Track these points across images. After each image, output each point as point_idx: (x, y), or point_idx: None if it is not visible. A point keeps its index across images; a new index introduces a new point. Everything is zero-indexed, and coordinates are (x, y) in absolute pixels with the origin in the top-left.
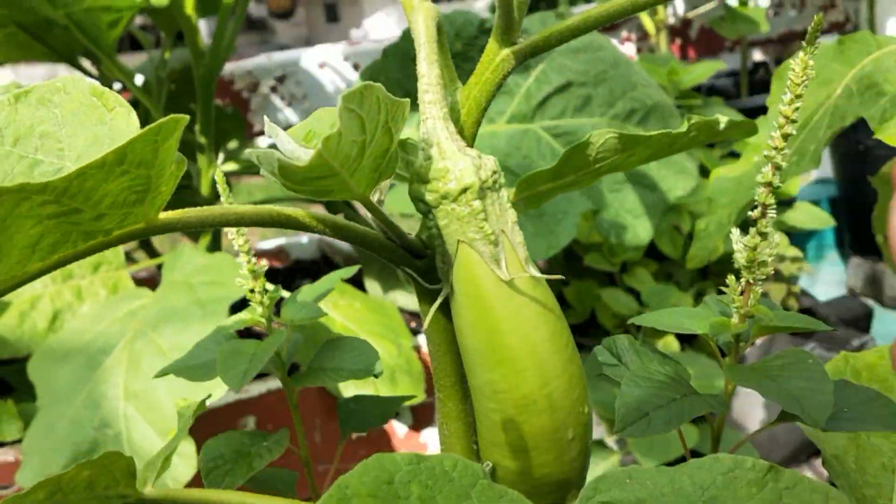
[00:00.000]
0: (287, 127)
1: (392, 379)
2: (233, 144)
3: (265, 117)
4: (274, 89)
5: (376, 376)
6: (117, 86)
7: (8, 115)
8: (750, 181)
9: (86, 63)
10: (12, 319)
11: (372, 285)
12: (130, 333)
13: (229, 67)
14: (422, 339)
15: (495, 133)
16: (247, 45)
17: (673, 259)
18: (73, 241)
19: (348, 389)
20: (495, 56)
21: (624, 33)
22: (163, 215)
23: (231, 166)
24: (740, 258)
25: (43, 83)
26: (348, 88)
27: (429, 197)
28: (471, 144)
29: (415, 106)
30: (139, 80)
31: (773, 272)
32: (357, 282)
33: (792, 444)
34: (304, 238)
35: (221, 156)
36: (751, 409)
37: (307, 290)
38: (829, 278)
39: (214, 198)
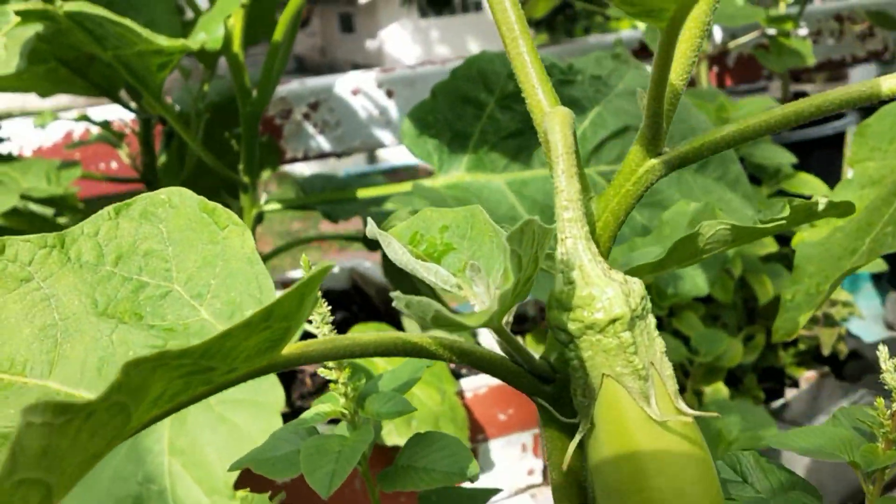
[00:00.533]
0: (320, 154)
1: (436, 426)
2: (266, 173)
3: (369, 221)
4: (307, 116)
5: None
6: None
7: (108, 230)
8: (839, 249)
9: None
10: None
11: (409, 323)
12: None
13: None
14: (465, 384)
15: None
16: (261, 55)
17: (719, 301)
18: (194, 388)
19: (391, 437)
20: (639, 166)
21: None
22: (286, 351)
23: (273, 206)
24: (890, 380)
25: (146, 195)
26: (509, 231)
27: (572, 327)
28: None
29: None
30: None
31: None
32: (394, 318)
33: (840, 493)
34: (335, 267)
35: (265, 195)
36: (798, 458)
37: (390, 377)
38: (865, 312)
39: (255, 238)
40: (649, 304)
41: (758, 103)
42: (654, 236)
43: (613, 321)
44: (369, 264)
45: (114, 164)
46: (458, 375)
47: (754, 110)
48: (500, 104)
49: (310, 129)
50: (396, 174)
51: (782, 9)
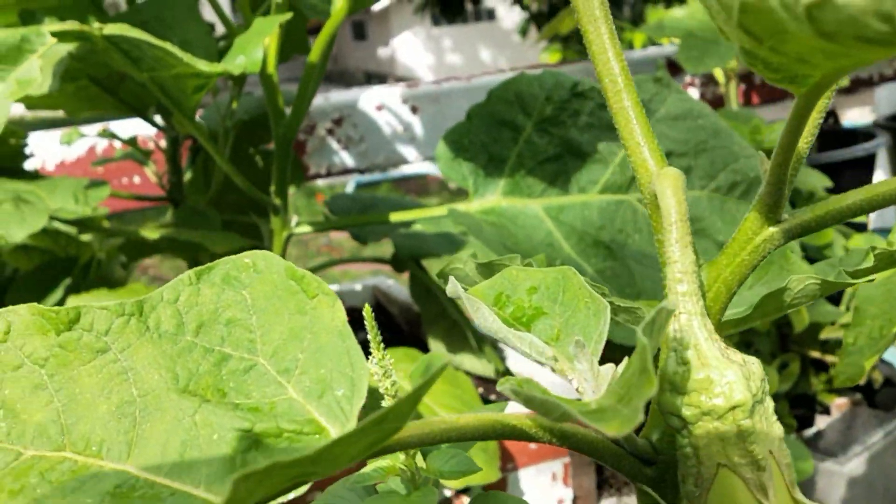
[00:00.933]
0: (344, 171)
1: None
2: (290, 189)
3: (452, 281)
4: (330, 131)
5: None
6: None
7: (189, 296)
8: None
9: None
10: None
11: (437, 346)
12: None
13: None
14: None
15: (587, 203)
16: (285, 70)
17: (754, 327)
18: (292, 485)
19: None
20: (756, 234)
21: (687, 78)
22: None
23: (304, 228)
24: None
25: (228, 259)
26: (643, 322)
27: (686, 412)
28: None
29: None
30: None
31: None
32: (417, 338)
33: None
34: (358, 286)
35: (296, 217)
36: (833, 489)
37: None
38: None
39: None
40: (767, 386)
41: None
42: None
43: (734, 408)
44: (391, 282)
45: (136, 179)
46: (486, 401)
47: None
48: (538, 128)
49: (333, 144)
50: (407, 182)
51: None
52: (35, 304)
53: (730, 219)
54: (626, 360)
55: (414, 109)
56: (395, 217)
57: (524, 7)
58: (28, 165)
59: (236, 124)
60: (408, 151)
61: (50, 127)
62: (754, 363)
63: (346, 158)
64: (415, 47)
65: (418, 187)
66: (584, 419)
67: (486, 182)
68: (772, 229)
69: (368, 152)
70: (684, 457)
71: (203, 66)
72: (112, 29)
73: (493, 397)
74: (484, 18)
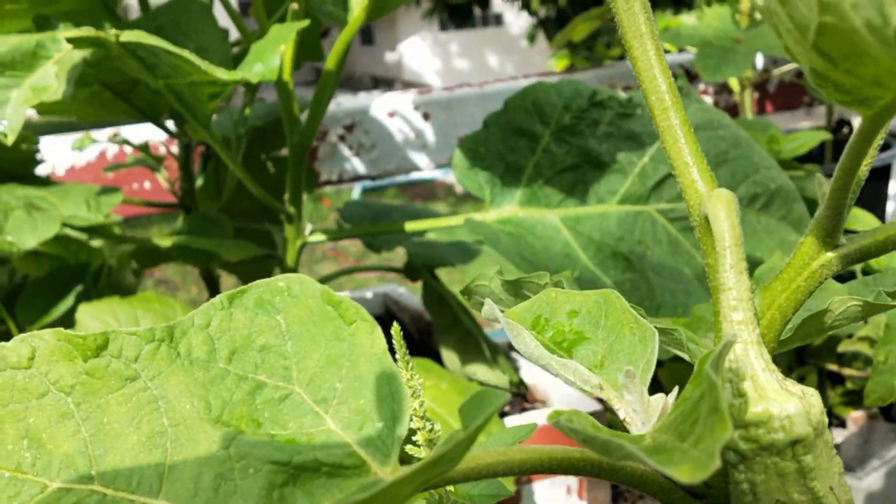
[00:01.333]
0: (355, 177)
1: None
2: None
3: (488, 303)
4: (342, 138)
5: None
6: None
7: (221, 321)
8: None
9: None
10: None
11: (450, 356)
12: None
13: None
14: (508, 423)
15: (606, 214)
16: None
17: None
18: None
19: None
20: (813, 259)
21: (701, 86)
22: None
23: (318, 237)
24: None
25: (261, 282)
26: (710, 357)
27: (744, 447)
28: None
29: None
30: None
31: None
32: (428, 346)
33: None
34: (369, 293)
35: (309, 226)
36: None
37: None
38: None
39: (298, 268)
40: (826, 418)
41: (809, 136)
42: None
43: (794, 443)
44: (402, 290)
45: (147, 184)
46: (502, 414)
47: (807, 142)
48: (556, 137)
49: (345, 151)
50: (414, 187)
51: None
52: (61, 329)
53: (750, 230)
54: (675, 390)
55: (426, 116)
56: (410, 227)
57: (532, 13)
58: (39, 170)
59: (249, 131)
60: (419, 158)
61: (60, 131)
62: (813, 395)
63: (358, 165)
64: (422, 52)
65: (425, 192)
66: (653, 463)
67: (503, 191)
68: (829, 255)
69: (380, 159)
70: (740, 493)
71: (221, 74)
72: (129, 36)
73: (506, 408)
74: (492, 24)
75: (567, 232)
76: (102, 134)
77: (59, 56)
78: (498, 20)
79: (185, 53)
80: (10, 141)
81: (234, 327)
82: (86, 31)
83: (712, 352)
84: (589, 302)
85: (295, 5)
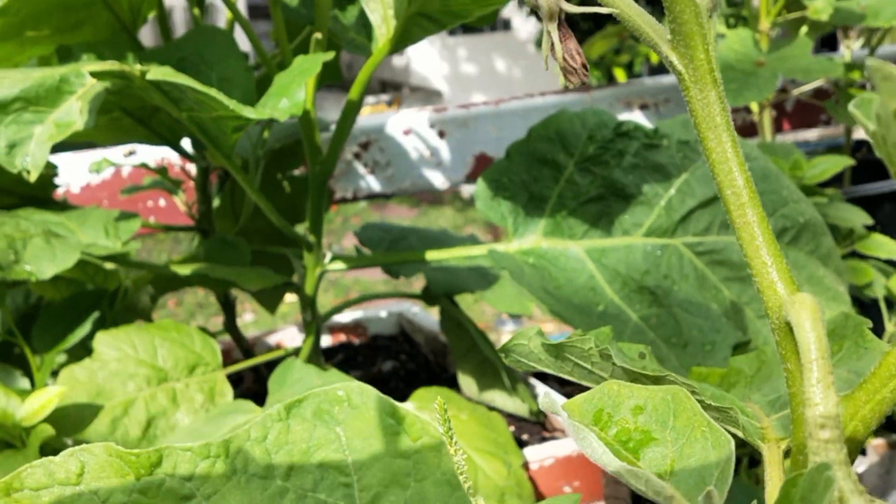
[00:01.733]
0: (370, 195)
1: (501, 502)
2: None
3: (548, 392)
4: (357, 156)
5: None
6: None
7: (279, 434)
8: None
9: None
10: (104, 426)
11: (467, 382)
12: None
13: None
14: (530, 454)
15: (631, 247)
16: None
17: None
18: None
19: None
20: None
21: None
22: None
23: (337, 265)
24: None
25: (320, 391)
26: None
27: None
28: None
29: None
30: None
31: None
32: (443, 368)
33: None
34: (383, 312)
35: (329, 254)
36: None
37: None
38: None
39: (318, 297)
40: None
41: (832, 162)
42: None
43: None
44: (417, 310)
45: (161, 202)
46: (521, 443)
47: (829, 169)
48: (580, 167)
49: (360, 168)
50: (422, 195)
51: (847, 57)
52: (111, 444)
53: None
54: None
55: (441, 134)
56: (431, 256)
57: (540, 18)
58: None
59: (267, 153)
60: (434, 176)
61: (77, 148)
62: None
63: (373, 183)
64: (430, 56)
65: (432, 197)
66: None
67: (527, 222)
68: None
69: (395, 177)
70: None
71: (249, 112)
72: (155, 74)
73: (525, 437)
74: (500, 29)
75: (592, 264)
76: (118, 151)
77: (83, 91)
78: (506, 25)
79: (213, 92)
80: (33, 178)
81: (291, 440)
82: (110, 66)
83: (800, 476)
84: (655, 398)
85: (319, 35)
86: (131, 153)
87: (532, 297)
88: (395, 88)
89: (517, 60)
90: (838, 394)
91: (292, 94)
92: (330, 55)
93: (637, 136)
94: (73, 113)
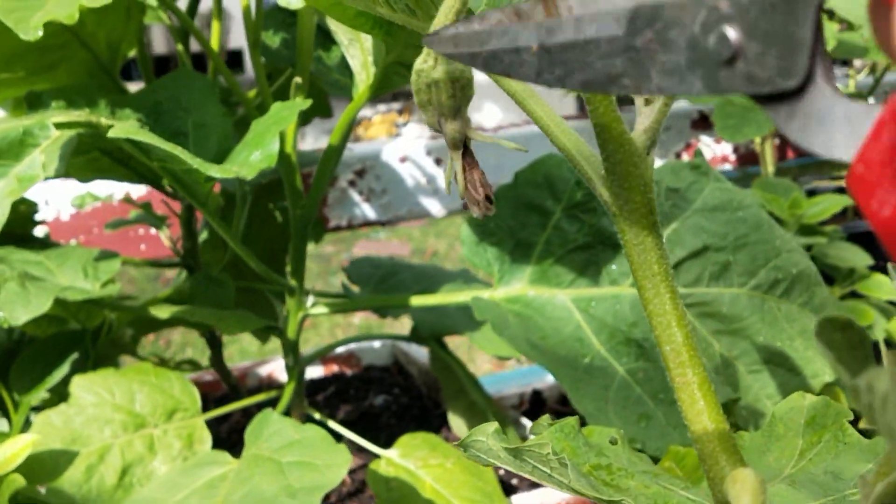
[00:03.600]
0: (365, 223)
1: None
2: (309, 247)
3: None
4: (352, 183)
5: None
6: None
7: None
8: None
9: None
10: (79, 473)
11: (457, 423)
12: None
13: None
14: (517, 501)
15: (619, 297)
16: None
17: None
18: None
19: None
20: None
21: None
22: None
23: (321, 310)
24: None
25: None
26: None
27: None
28: None
29: None
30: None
31: None
32: (437, 403)
33: None
34: (377, 343)
35: (311, 298)
36: None
37: None
38: None
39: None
40: None
41: (833, 201)
42: (763, 434)
43: None
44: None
45: (140, 231)
46: (510, 488)
47: (830, 207)
48: (568, 213)
49: (355, 196)
50: None
51: (851, 86)
52: None
53: (770, 318)
54: None
55: (438, 161)
56: (417, 301)
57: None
58: (43, 215)
59: (254, 188)
60: (431, 204)
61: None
62: None
63: (368, 210)
64: None
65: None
66: None
67: (513, 269)
68: None
69: (391, 204)
70: None
71: (214, 172)
72: (119, 131)
73: (514, 481)
74: None
75: (579, 314)
76: (104, 185)
77: (48, 143)
78: None
79: (177, 151)
80: None
81: None
82: (76, 116)
83: None
84: None
85: (299, 79)
86: (115, 196)
87: (515, 351)
88: (406, 97)
89: None
90: None
91: (266, 145)
92: (307, 103)
93: None
94: (36, 167)
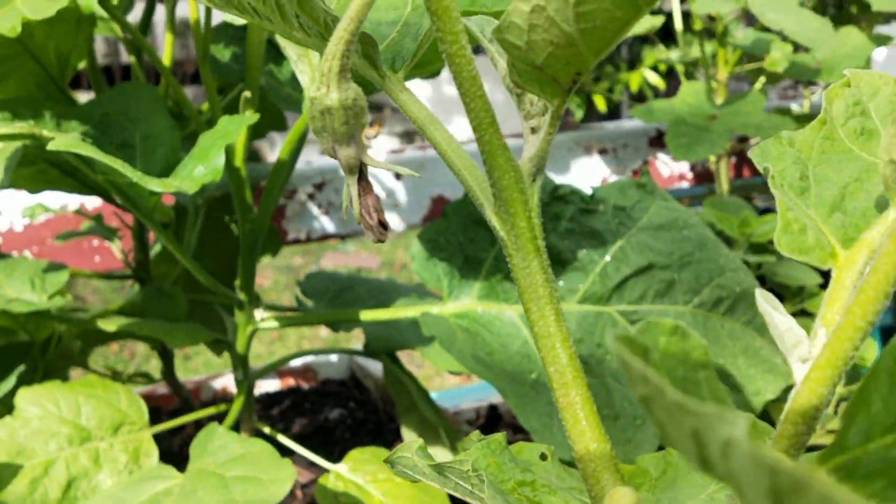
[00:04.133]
0: (324, 236)
1: None
2: (266, 258)
3: None
4: (311, 196)
5: None
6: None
7: None
8: None
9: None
10: (22, 487)
11: (410, 437)
12: None
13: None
14: None
15: (566, 314)
16: None
17: None
18: None
19: None
20: None
21: None
22: None
23: (271, 323)
24: None
25: None
26: None
27: None
28: None
29: None
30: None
31: None
32: (392, 417)
33: None
34: (334, 357)
35: (261, 312)
36: None
37: None
38: None
39: (248, 356)
40: None
41: None
42: None
43: None
44: None
45: (95, 242)
46: (458, 503)
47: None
48: None
49: (314, 209)
50: None
51: (806, 107)
52: None
53: (714, 336)
54: None
55: (398, 175)
56: (367, 316)
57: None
58: None
59: (207, 201)
60: (390, 218)
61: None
62: None
63: (327, 224)
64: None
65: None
66: None
67: (462, 284)
68: None
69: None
70: None
71: (154, 186)
72: (58, 144)
73: (467, 498)
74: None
75: (526, 330)
76: (55, 197)
77: None
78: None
79: (118, 165)
80: None
81: None
82: (18, 129)
83: None
84: None
85: (248, 93)
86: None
87: (463, 367)
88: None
89: (498, 85)
90: None
91: (210, 159)
92: (255, 118)
93: (573, 201)
94: None
